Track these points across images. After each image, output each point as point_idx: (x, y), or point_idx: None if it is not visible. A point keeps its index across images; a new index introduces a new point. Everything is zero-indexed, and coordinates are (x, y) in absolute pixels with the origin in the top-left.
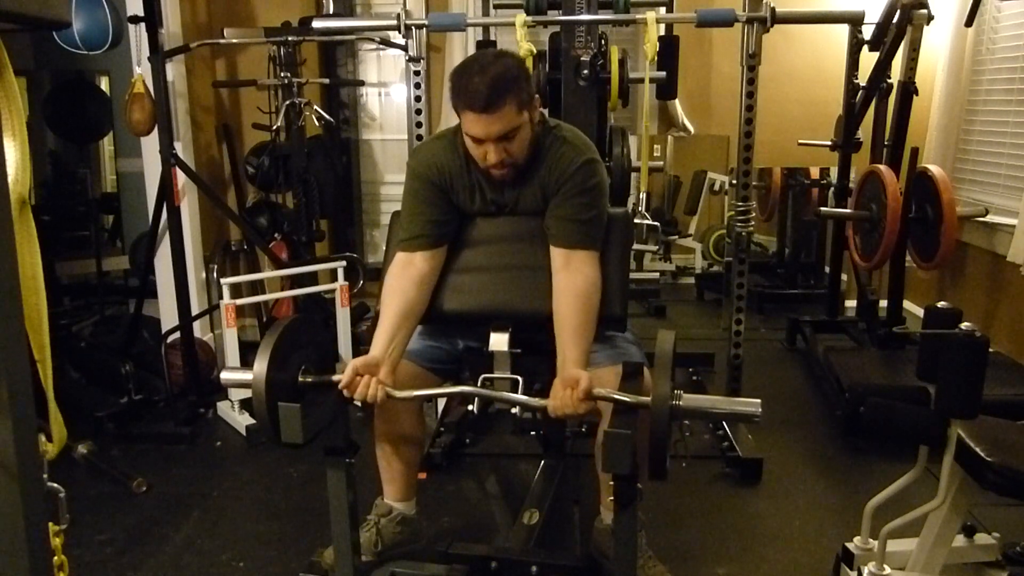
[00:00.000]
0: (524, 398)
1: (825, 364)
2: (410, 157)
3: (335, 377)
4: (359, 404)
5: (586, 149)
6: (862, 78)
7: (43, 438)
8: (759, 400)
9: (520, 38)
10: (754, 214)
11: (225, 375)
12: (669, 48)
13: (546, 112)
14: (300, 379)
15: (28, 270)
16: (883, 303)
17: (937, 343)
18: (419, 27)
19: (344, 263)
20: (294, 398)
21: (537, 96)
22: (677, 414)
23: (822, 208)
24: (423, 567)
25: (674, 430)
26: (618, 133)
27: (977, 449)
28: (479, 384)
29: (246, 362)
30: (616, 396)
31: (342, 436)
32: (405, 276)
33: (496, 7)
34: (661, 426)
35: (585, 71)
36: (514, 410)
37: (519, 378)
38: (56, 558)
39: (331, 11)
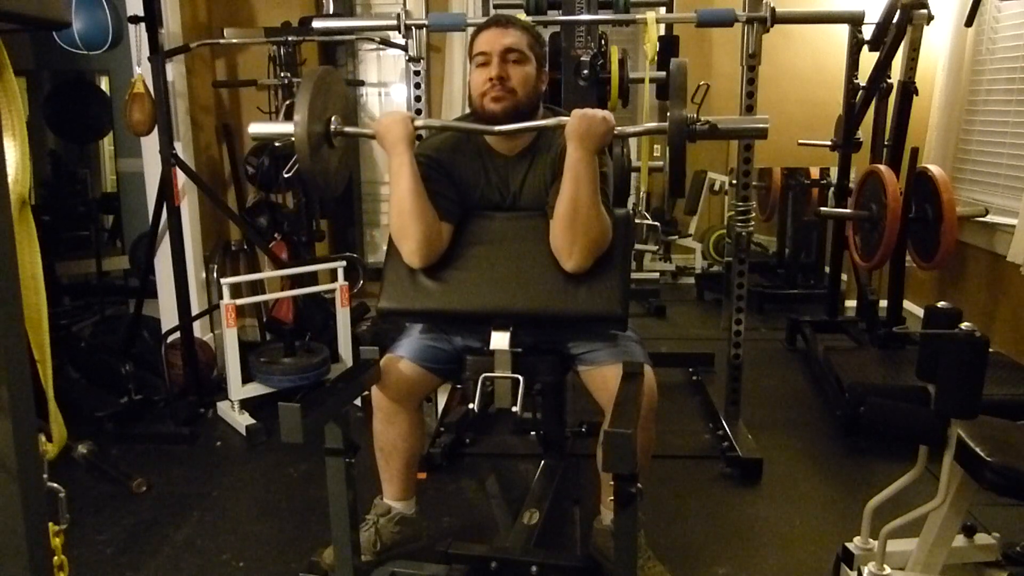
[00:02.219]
0: (542, 122)
1: (825, 364)
2: (418, 145)
3: (364, 130)
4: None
5: None
6: (862, 78)
7: (43, 438)
8: (767, 115)
9: None
10: (754, 214)
11: (256, 127)
12: (669, 48)
13: None
14: (333, 128)
15: (28, 270)
16: (883, 303)
17: (937, 343)
18: (419, 27)
19: (344, 263)
20: (328, 147)
21: (548, 73)
22: (692, 135)
23: (822, 208)
24: (423, 567)
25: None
26: None
27: (977, 449)
28: (479, 383)
29: (245, 361)
30: (633, 129)
31: (342, 436)
32: None
33: (496, 7)
34: (679, 144)
35: (585, 71)
36: (514, 409)
37: (520, 377)
38: (56, 558)
39: (331, 11)
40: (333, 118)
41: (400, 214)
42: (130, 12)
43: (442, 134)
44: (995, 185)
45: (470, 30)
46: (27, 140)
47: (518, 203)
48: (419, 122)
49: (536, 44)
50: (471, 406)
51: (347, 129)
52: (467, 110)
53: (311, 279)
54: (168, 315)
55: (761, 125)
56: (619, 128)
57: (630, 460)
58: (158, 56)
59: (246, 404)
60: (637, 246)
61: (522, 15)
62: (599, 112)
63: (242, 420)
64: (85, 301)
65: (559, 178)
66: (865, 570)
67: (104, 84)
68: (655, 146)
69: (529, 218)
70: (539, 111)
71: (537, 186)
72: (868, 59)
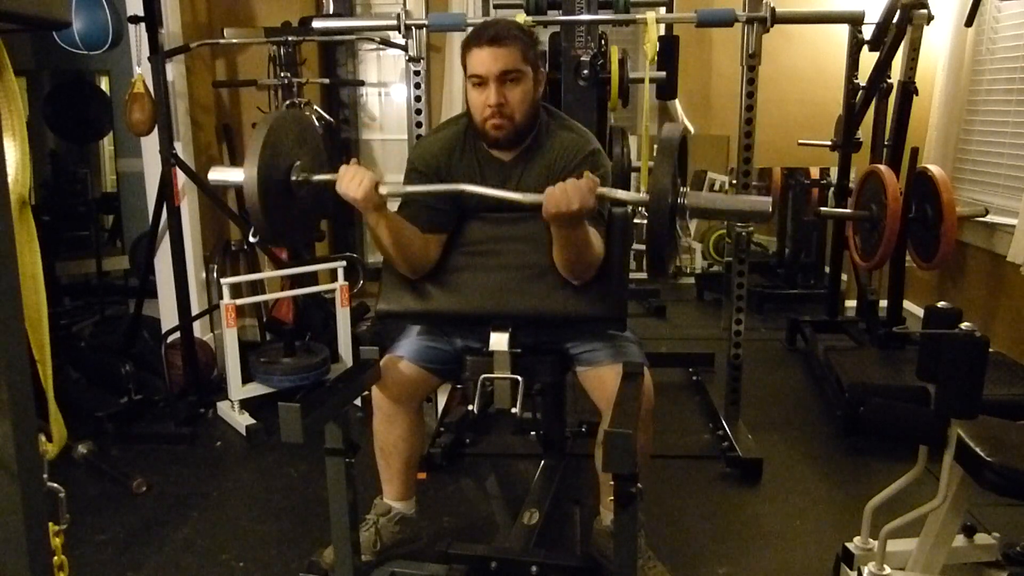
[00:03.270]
0: (518, 195)
1: (825, 364)
2: (410, 151)
3: (328, 176)
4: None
5: (592, 139)
6: (862, 78)
7: (43, 438)
8: (769, 199)
9: None
10: None
11: (213, 175)
12: (669, 48)
13: None
14: (293, 177)
15: (28, 270)
16: (883, 303)
17: (937, 343)
18: (419, 27)
19: (344, 263)
20: (288, 198)
21: (544, 71)
22: (680, 211)
23: (822, 208)
24: (423, 567)
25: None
26: (618, 133)
27: (977, 449)
28: (479, 383)
29: (245, 361)
30: (615, 195)
31: (342, 436)
32: None
33: (496, 7)
34: (660, 218)
35: (585, 71)
36: (514, 410)
37: (519, 378)
38: (56, 558)
39: (331, 11)
40: (296, 164)
41: (386, 255)
42: (130, 12)
43: (437, 135)
44: (995, 185)
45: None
46: (27, 140)
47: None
48: (384, 189)
49: (531, 50)
50: (471, 407)
51: (313, 178)
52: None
53: (311, 279)
54: (168, 315)
55: (761, 209)
56: (602, 190)
57: (630, 460)
58: (158, 56)
59: (246, 404)
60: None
61: (522, 15)
62: (572, 191)
63: (242, 420)
64: (85, 301)
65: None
66: (865, 570)
67: (104, 84)
68: (655, 146)
69: (527, 219)
70: (538, 118)
71: (533, 186)
72: (868, 59)
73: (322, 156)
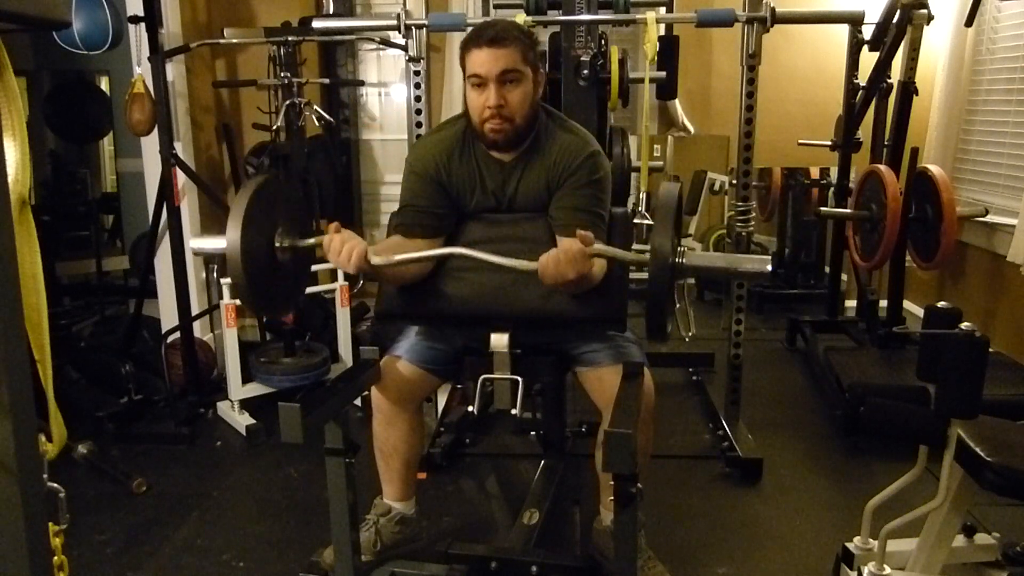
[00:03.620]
0: (514, 261)
1: (825, 364)
2: (409, 152)
3: (315, 240)
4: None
5: (591, 141)
6: (862, 78)
7: (43, 438)
8: (769, 257)
9: None
10: (754, 214)
11: (195, 243)
12: (669, 48)
13: None
14: (277, 244)
15: (28, 270)
16: (883, 303)
17: (937, 343)
18: (419, 27)
19: None
20: (272, 266)
21: (543, 72)
22: (680, 271)
23: (822, 208)
24: (423, 567)
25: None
26: (618, 133)
27: (977, 449)
28: (479, 384)
29: (245, 361)
30: (613, 253)
31: (342, 436)
32: (396, 241)
33: (496, 7)
34: (660, 280)
35: (585, 71)
36: (514, 411)
37: (519, 379)
38: (56, 558)
39: (331, 11)
40: (279, 230)
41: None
42: (130, 12)
43: (436, 135)
44: (995, 185)
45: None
46: (27, 140)
47: (514, 206)
48: (376, 260)
49: (530, 51)
50: (471, 407)
51: (298, 244)
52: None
53: (311, 279)
54: (168, 315)
55: (760, 269)
56: (598, 247)
57: (630, 460)
58: (158, 56)
59: (246, 404)
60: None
61: (522, 15)
62: (566, 261)
63: (242, 420)
64: (85, 301)
65: (562, 188)
66: (865, 570)
67: (104, 84)
68: (655, 146)
69: (527, 220)
70: (537, 119)
71: (532, 190)
72: (868, 59)
73: (306, 220)
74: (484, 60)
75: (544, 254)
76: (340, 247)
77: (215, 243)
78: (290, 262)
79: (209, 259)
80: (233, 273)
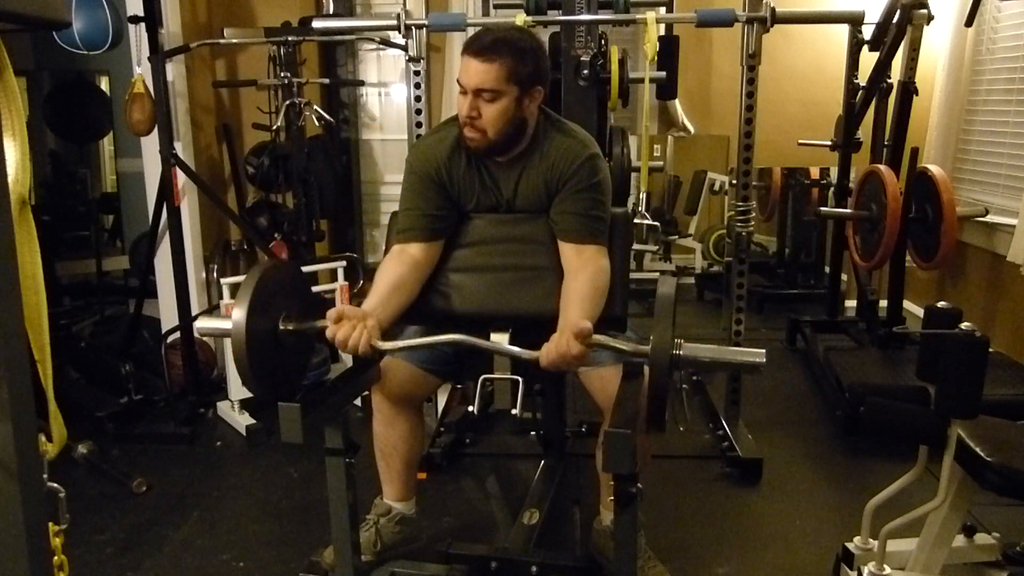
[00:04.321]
0: (516, 349)
1: (825, 364)
2: (409, 153)
3: (319, 323)
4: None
5: (589, 144)
6: (862, 78)
7: (43, 438)
8: (763, 350)
9: None
10: (754, 214)
11: (201, 324)
12: (669, 48)
13: None
14: (281, 327)
15: (28, 270)
16: (883, 303)
17: (937, 343)
18: (419, 27)
19: (344, 263)
20: (276, 347)
21: (541, 89)
22: (678, 363)
23: (822, 208)
24: (423, 567)
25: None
26: (618, 133)
27: (977, 449)
28: (479, 384)
29: None
30: (613, 344)
31: (342, 436)
32: (398, 260)
33: (496, 7)
34: (662, 375)
35: (585, 71)
36: (514, 411)
37: (519, 379)
38: (56, 558)
39: (331, 11)
40: (283, 315)
41: None
42: (130, 12)
43: (435, 135)
44: (995, 185)
45: (470, 30)
46: (27, 140)
47: (513, 207)
48: (384, 346)
49: (522, 66)
50: (471, 407)
51: (302, 327)
52: None
53: (311, 279)
54: (168, 315)
55: (756, 361)
56: (598, 338)
57: (630, 460)
58: (158, 56)
59: (246, 404)
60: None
61: (522, 15)
62: (566, 355)
63: (242, 420)
64: (85, 301)
65: (560, 193)
66: (865, 570)
67: (104, 84)
68: (655, 146)
69: (527, 220)
70: (529, 128)
71: (531, 192)
72: (868, 59)
73: (311, 303)
74: (467, 69)
75: (545, 345)
76: (345, 339)
77: (221, 324)
78: (293, 343)
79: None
80: (237, 355)
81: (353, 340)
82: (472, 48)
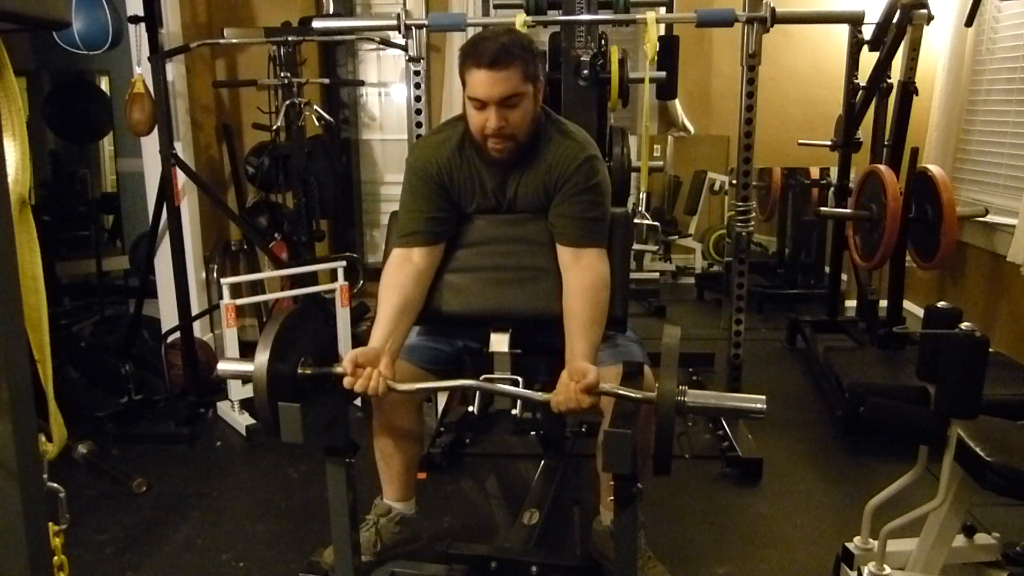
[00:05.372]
0: (527, 392)
1: (825, 364)
2: (409, 154)
3: (336, 369)
4: (359, 399)
5: (588, 145)
6: (862, 78)
7: (43, 438)
8: (763, 396)
9: None
10: (754, 214)
11: (223, 366)
12: (669, 48)
13: None
14: (300, 371)
15: (28, 270)
16: (883, 303)
17: (937, 343)
18: (419, 27)
19: (344, 263)
20: (294, 391)
21: (543, 80)
22: (682, 410)
23: (822, 208)
24: (423, 567)
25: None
26: (618, 133)
27: (977, 449)
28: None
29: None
30: (621, 392)
31: (342, 436)
32: (402, 272)
33: (496, 7)
34: (667, 422)
35: (585, 71)
36: (514, 411)
37: (519, 379)
38: (56, 558)
39: (331, 11)
40: (302, 360)
41: None
42: (130, 12)
43: (436, 136)
44: (995, 185)
45: (470, 30)
46: (27, 140)
47: (514, 208)
48: (399, 387)
49: (532, 65)
50: (471, 407)
51: (320, 371)
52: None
53: (311, 279)
54: (168, 315)
55: (757, 407)
56: (605, 387)
57: (630, 460)
58: (158, 56)
59: (246, 404)
60: (637, 246)
61: (522, 15)
62: (574, 403)
63: (242, 420)
64: (85, 301)
65: (559, 195)
66: (865, 570)
67: (104, 84)
68: (655, 146)
69: (527, 220)
70: (539, 123)
71: (531, 193)
72: (868, 59)
73: (329, 346)
74: (484, 83)
75: (554, 393)
76: (363, 389)
77: (242, 367)
78: (310, 388)
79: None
80: (258, 396)
81: (371, 388)
82: (484, 61)
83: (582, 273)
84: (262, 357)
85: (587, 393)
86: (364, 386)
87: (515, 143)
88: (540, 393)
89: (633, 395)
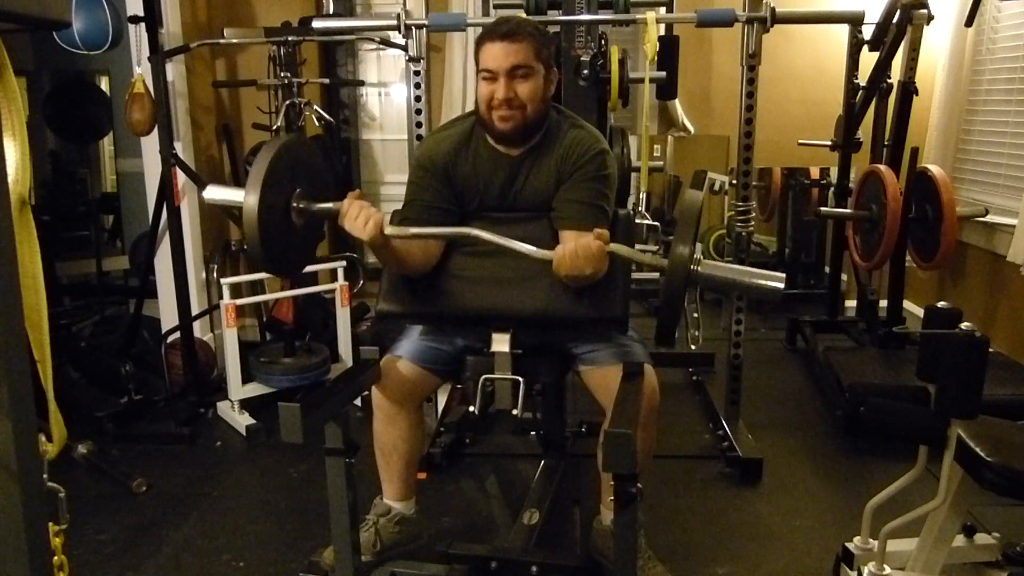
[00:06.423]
0: (531, 248)
1: (825, 364)
2: (417, 147)
3: (331, 205)
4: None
5: (602, 139)
6: (862, 78)
7: (43, 438)
8: (783, 275)
9: None
10: (754, 214)
11: (211, 191)
12: (669, 48)
13: None
14: (294, 204)
15: (28, 270)
16: (883, 303)
17: (937, 343)
18: (419, 27)
19: (344, 263)
20: (287, 227)
21: (557, 73)
22: (694, 279)
23: (822, 208)
24: (423, 567)
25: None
26: (618, 133)
27: (977, 449)
28: (480, 384)
29: (245, 361)
30: (631, 253)
31: (342, 436)
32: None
33: (496, 7)
34: (677, 287)
35: (585, 71)
36: (514, 411)
37: (520, 379)
38: (56, 558)
39: (331, 11)
40: (297, 191)
41: (388, 268)
42: (130, 12)
43: (445, 131)
44: (995, 185)
45: (470, 30)
46: (27, 140)
47: (519, 201)
48: (389, 230)
49: (544, 48)
50: (471, 407)
51: (314, 207)
52: (467, 109)
53: (311, 279)
54: (168, 315)
55: (774, 287)
56: (614, 247)
57: (630, 460)
58: (158, 56)
59: (246, 404)
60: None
61: (522, 15)
62: (584, 255)
63: (242, 420)
64: (85, 301)
65: (568, 181)
66: (865, 570)
67: (104, 84)
68: (655, 146)
69: (529, 220)
70: (548, 117)
71: (539, 186)
72: (868, 59)
73: (325, 183)
74: (496, 54)
75: (560, 246)
76: (357, 213)
77: (232, 194)
78: (303, 225)
79: (225, 210)
80: (248, 228)
81: (362, 219)
82: (497, 33)
83: None
84: (253, 190)
85: (600, 245)
86: (356, 215)
87: (523, 115)
88: (545, 251)
89: (645, 259)
